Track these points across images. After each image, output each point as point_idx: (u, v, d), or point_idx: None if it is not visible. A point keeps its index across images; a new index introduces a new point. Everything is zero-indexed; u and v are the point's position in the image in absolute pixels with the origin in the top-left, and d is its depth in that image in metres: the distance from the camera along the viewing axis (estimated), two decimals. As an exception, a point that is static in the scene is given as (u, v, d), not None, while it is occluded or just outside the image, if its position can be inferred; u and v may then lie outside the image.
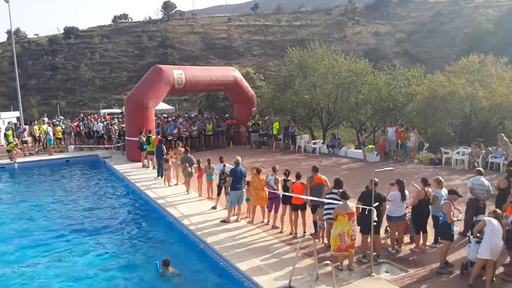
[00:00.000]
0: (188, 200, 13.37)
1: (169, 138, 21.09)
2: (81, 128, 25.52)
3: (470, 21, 68.00)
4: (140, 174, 17.53)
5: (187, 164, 14.08)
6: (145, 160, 19.04)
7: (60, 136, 24.62)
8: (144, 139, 18.31)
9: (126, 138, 20.89)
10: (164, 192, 14.38)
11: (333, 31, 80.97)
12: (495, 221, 7.25)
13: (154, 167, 17.83)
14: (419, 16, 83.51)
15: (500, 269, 7.89)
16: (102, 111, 38.53)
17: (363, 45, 72.62)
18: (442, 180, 9.14)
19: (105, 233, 11.53)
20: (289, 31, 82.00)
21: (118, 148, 22.98)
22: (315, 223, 9.81)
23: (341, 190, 8.76)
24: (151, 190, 14.72)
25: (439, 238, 8.80)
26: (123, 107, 25.24)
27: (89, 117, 29.41)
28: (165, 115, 28.45)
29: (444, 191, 8.80)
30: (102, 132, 24.70)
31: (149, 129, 18.78)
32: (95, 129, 25.03)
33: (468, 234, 8.32)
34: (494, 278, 7.37)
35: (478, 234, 7.48)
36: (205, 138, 23.84)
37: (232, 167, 11.42)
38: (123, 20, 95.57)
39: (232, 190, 11.15)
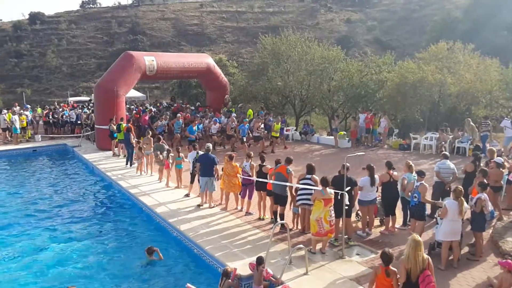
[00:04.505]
0: (161, 189, 13.22)
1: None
2: (50, 117, 24.78)
3: (440, 9, 69.17)
4: (110, 163, 17.21)
5: (158, 152, 13.91)
6: (116, 149, 18.70)
7: (25, 125, 23.84)
8: (115, 127, 17.95)
9: (96, 126, 20.42)
10: (136, 181, 14.16)
11: (306, 18, 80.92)
12: (453, 204, 7.48)
13: (124, 156, 17.53)
14: (391, 4, 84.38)
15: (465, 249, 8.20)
16: (70, 99, 37.46)
17: (336, 33, 72.93)
18: (412, 164, 9.38)
19: (73, 224, 11.24)
20: (262, 18, 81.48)
21: (87, 137, 22.48)
22: (275, 212, 9.82)
23: (315, 176, 8.89)
24: (122, 179, 14.46)
25: (409, 219, 9.11)
26: (92, 94, 24.65)
27: (61, 104, 28.64)
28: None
29: (414, 176, 9.03)
30: (73, 119, 24.13)
31: (121, 117, 18.40)
32: (68, 116, 24.42)
33: (435, 215, 8.58)
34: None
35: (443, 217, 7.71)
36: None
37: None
38: (91, 5, 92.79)
39: (201, 176, 11.21)
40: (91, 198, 13.85)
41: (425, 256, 5.63)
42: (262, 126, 19.04)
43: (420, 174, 8.65)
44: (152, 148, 14.95)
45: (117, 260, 9.07)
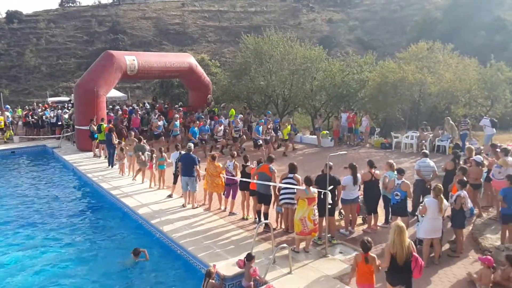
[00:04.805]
0: (143, 190, 13.08)
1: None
2: (29, 118, 24.26)
3: (420, 9, 70.22)
4: (92, 164, 16.94)
5: (140, 153, 13.74)
6: (97, 150, 18.43)
7: (2, 127, 23.28)
8: (95, 127, 17.68)
9: (76, 127, 20.07)
10: (118, 183, 13.98)
11: (288, 17, 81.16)
12: (433, 202, 7.58)
13: (106, 157, 17.27)
14: (372, 4, 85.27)
15: (446, 246, 8.32)
16: (49, 99, 36.74)
17: (318, 32, 73.33)
18: (394, 163, 9.49)
19: (53, 227, 11.02)
20: (244, 17, 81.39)
21: (68, 138, 22.09)
22: (258, 212, 9.77)
23: (297, 175, 8.91)
24: (104, 181, 14.26)
25: (391, 217, 9.18)
26: (72, 95, 24.25)
27: (40, 105, 28.06)
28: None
29: (396, 174, 9.11)
30: (53, 120, 23.69)
31: (102, 117, 18.13)
32: (48, 117, 23.98)
33: (416, 213, 8.68)
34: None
35: (423, 215, 7.78)
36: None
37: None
38: (70, 4, 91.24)
39: (182, 176, 11.19)
40: (72, 200, 13.58)
41: (409, 240, 5.90)
42: (271, 127, 18.02)
43: (400, 172, 8.76)
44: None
45: (100, 262, 8.94)
